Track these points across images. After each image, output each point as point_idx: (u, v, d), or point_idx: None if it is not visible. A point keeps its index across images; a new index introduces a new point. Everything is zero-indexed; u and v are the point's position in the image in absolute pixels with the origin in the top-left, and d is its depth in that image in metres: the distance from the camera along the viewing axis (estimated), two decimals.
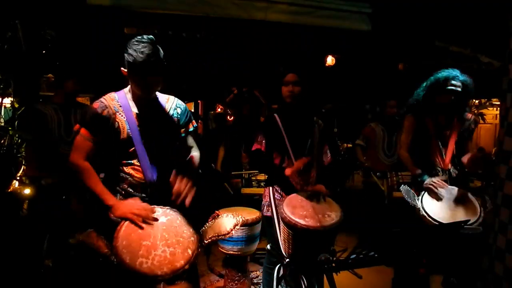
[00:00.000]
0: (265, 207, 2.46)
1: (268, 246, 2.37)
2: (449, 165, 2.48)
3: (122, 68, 1.75)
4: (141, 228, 1.59)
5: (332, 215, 2.05)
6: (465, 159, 2.40)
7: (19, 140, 3.49)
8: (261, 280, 3.22)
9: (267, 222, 2.44)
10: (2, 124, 3.84)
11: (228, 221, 1.74)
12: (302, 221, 1.97)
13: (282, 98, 2.38)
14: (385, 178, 3.91)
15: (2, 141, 3.71)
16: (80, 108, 3.08)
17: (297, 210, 2.05)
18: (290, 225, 1.99)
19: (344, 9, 4.79)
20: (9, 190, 3.45)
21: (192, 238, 1.65)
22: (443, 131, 2.50)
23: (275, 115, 2.43)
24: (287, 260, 2.10)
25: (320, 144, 2.48)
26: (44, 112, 2.91)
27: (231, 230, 1.70)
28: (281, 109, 2.45)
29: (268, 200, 2.41)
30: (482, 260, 2.12)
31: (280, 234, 2.15)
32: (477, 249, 2.39)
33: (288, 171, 2.24)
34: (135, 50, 1.63)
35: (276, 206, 2.28)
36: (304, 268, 2.11)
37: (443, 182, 2.34)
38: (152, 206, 1.71)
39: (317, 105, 5.59)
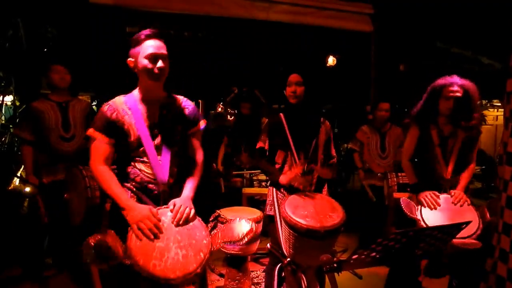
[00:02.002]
0: (268, 206, 2.45)
1: (268, 245, 2.36)
2: (452, 175, 2.47)
3: (128, 59, 1.77)
4: (155, 229, 1.59)
5: (334, 216, 2.03)
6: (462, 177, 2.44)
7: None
8: (263, 280, 3.23)
9: (269, 221, 2.43)
10: (3, 122, 3.84)
11: (241, 226, 1.70)
12: (302, 221, 1.95)
13: (286, 98, 2.38)
14: (385, 179, 3.91)
15: (3, 139, 3.71)
16: (79, 105, 3.05)
17: (298, 210, 2.04)
18: (291, 225, 1.98)
19: (346, 10, 4.80)
20: (9, 188, 3.45)
21: (205, 241, 1.64)
22: (447, 141, 2.49)
23: (281, 114, 2.43)
24: (288, 260, 2.09)
25: (325, 145, 2.48)
26: (41, 109, 2.88)
27: (244, 237, 1.66)
28: (286, 109, 2.45)
29: (271, 199, 2.40)
30: (484, 262, 2.11)
31: (282, 234, 2.15)
32: (478, 251, 2.39)
33: (282, 180, 2.27)
34: (140, 32, 1.73)
35: (278, 206, 2.27)
36: (304, 268, 2.10)
37: (436, 199, 2.32)
38: (165, 206, 1.71)
39: (321, 105, 5.59)
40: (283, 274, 2.23)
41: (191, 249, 1.57)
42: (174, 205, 1.71)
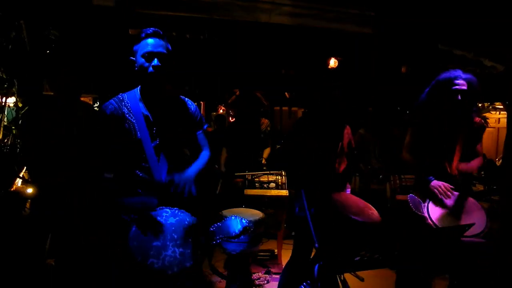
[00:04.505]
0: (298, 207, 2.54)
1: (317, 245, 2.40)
2: (456, 170, 2.40)
3: (131, 58, 1.76)
4: (151, 229, 1.61)
5: (375, 213, 2.17)
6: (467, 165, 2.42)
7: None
8: (264, 281, 3.25)
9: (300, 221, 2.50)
10: (6, 123, 3.85)
11: (236, 223, 1.75)
12: (357, 218, 2.06)
13: (323, 103, 2.64)
14: (387, 181, 3.91)
15: (5, 140, 3.73)
16: (82, 107, 3.07)
17: (346, 208, 2.16)
18: (348, 219, 2.06)
19: (347, 12, 4.81)
20: (12, 189, 3.46)
21: (201, 239, 1.67)
22: (450, 135, 2.46)
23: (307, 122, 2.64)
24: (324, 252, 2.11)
25: (348, 146, 2.67)
26: (45, 111, 2.90)
27: (240, 234, 1.70)
28: (316, 115, 2.65)
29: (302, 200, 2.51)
30: (485, 264, 2.11)
31: (322, 231, 2.17)
32: (480, 253, 2.38)
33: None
34: (143, 29, 1.72)
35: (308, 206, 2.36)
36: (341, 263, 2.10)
37: (449, 189, 2.29)
38: (161, 207, 1.72)
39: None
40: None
41: (187, 247, 1.61)
42: (173, 182, 1.70)
